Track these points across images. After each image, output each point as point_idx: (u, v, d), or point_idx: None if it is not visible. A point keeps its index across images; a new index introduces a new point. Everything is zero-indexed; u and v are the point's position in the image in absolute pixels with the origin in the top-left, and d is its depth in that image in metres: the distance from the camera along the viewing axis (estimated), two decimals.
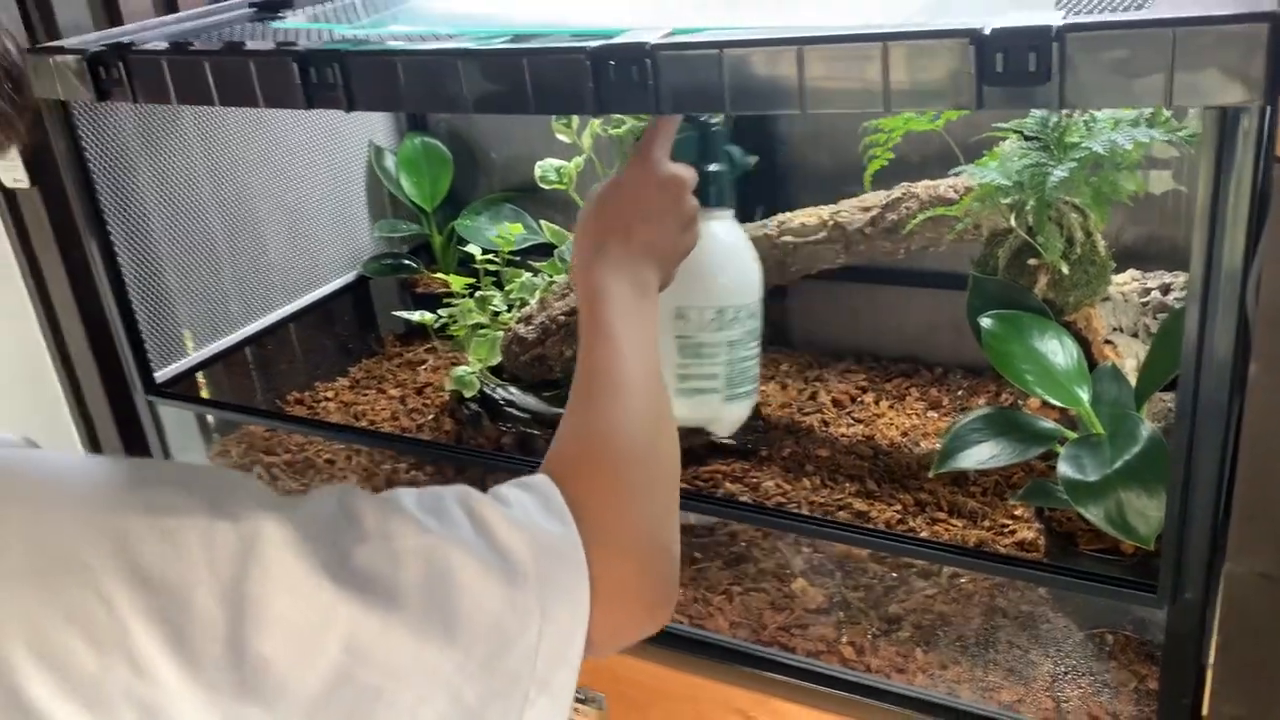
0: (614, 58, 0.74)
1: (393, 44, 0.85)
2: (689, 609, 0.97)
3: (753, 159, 0.88)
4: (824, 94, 0.69)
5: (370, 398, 1.36)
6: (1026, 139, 0.83)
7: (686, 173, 0.78)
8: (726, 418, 0.89)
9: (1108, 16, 0.63)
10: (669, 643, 0.97)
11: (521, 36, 0.82)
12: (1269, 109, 0.59)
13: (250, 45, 0.92)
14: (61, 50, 1.02)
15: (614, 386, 0.64)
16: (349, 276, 1.46)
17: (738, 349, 0.87)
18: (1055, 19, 0.62)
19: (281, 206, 1.35)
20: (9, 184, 1.12)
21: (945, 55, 0.64)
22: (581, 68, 0.75)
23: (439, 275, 1.39)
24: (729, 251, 0.86)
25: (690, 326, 0.86)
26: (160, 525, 0.46)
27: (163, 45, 1.00)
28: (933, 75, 0.65)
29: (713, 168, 0.84)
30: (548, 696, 0.52)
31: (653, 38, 0.74)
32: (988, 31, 0.63)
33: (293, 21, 1.02)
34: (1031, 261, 0.87)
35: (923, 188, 1.03)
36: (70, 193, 1.08)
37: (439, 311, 1.20)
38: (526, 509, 0.55)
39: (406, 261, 1.47)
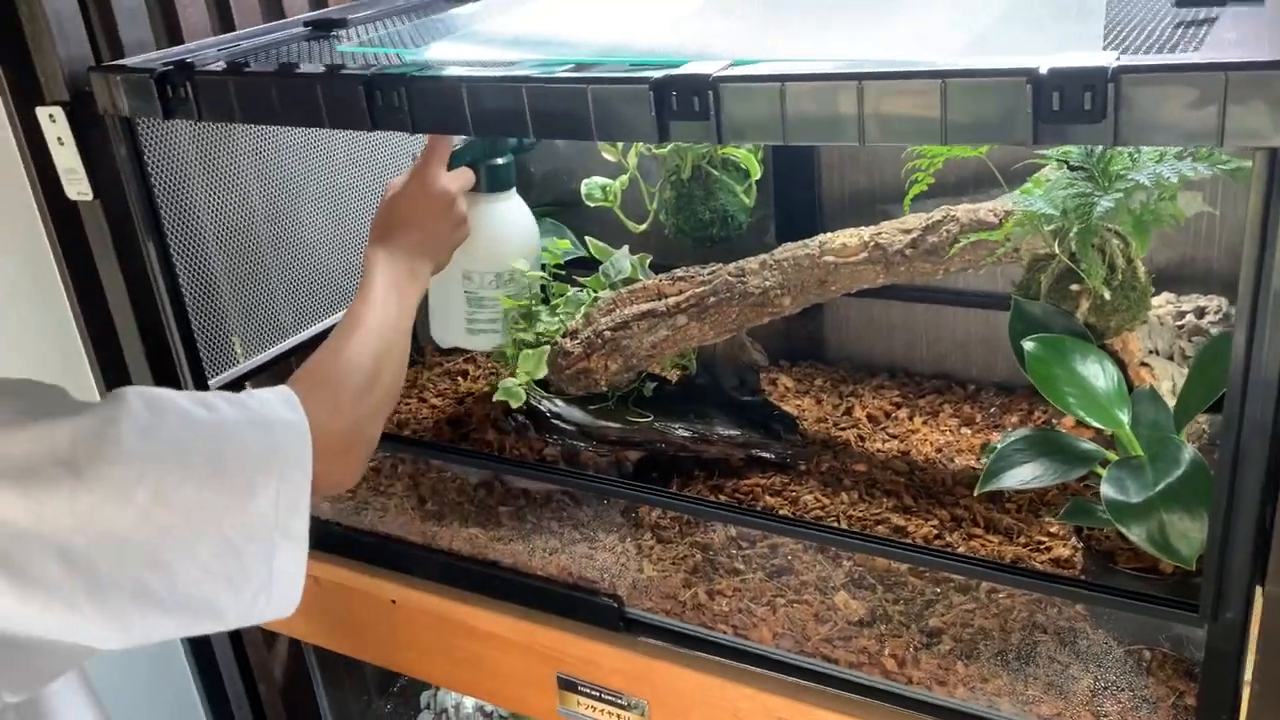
0: (676, 88, 0.77)
1: (457, 70, 0.88)
2: (733, 618, 1.00)
3: (530, 140, 1.21)
4: (882, 127, 0.71)
5: (412, 406, 1.39)
6: (1071, 168, 0.86)
7: (456, 184, 1.06)
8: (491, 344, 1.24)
9: (1162, 58, 0.66)
10: (712, 650, 0.99)
11: (583, 65, 0.84)
12: None
13: (317, 68, 0.95)
14: (128, 69, 1.05)
15: (356, 327, 0.90)
16: None
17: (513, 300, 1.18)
18: (1110, 59, 0.65)
19: (328, 218, 1.38)
20: (73, 196, 1.15)
21: (1003, 93, 0.67)
22: (644, 98, 0.78)
23: None
24: (506, 227, 1.18)
25: (473, 285, 1.20)
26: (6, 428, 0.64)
27: (223, 65, 1.03)
28: (990, 112, 0.68)
29: (495, 161, 1.17)
30: (290, 541, 0.72)
31: (714, 69, 0.77)
32: (1044, 71, 0.65)
33: (350, 45, 1.05)
34: (1074, 287, 0.90)
35: (963, 211, 1.05)
36: (132, 205, 1.12)
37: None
38: (271, 402, 0.77)
39: None
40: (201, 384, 1.20)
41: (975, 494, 0.88)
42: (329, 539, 1.23)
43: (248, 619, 0.72)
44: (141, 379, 1.24)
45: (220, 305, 1.25)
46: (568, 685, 1.08)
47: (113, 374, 1.31)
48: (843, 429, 1.23)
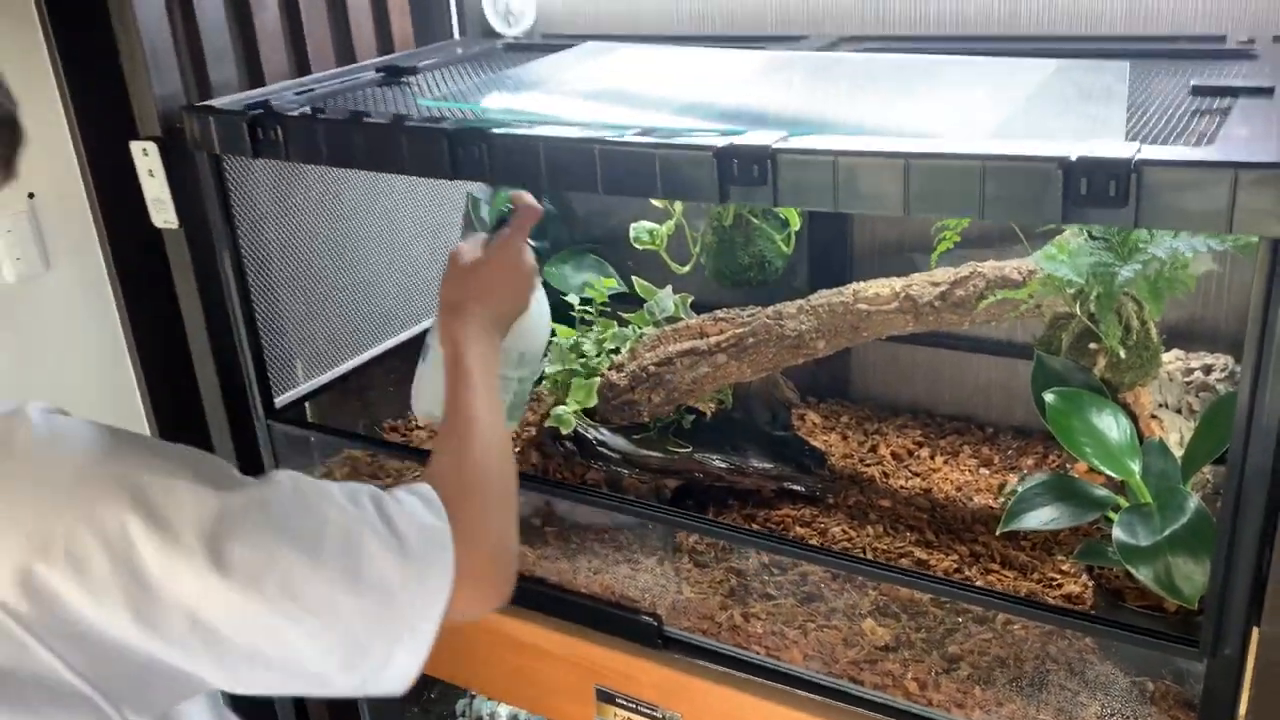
0: (738, 157, 0.85)
1: (534, 131, 0.96)
2: (766, 640, 1.07)
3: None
4: (925, 201, 0.79)
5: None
6: (1093, 238, 0.94)
7: (533, 262, 1.04)
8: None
9: (1179, 151, 0.74)
10: (746, 669, 1.07)
11: (649, 130, 0.92)
12: None
13: (403, 118, 1.03)
14: (221, 111, 1.14)
15: (473, 423, 0.87)
16: None
17: (524, 384, 1.12)
18: (1132, 151, 0.73)
19: (386, 249, 1.47)
20: (159, 224, 1.23)
21: (1035, 176, 0.75)
22: (708, 163, 0.86)
23: None
24: (536, 312, 1.10)
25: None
26: (167, 482, 0.66)
27: (308, 110, 1.12)
28: (1023, 192, 0.76)
29: (535, 247, 1.10)
30: (413, 639, 0.72)
31: (773, 140, 0.85)
32: (1074, 159, 0.74)
33: (432, 100, 1.13)
34: (1092, 345, 0.97)
35: (989, 267, 1.13)
36: (215, 233, 1.20)
37: (543, 364, 1.31)
38: (414, 506, 0.75)
39: None
40: (269, 403, 1.28)
41: (998, 533, 0.96)
42: None
43: (356, 692, 0.73)
44: (211, 395, 1.32)
45: (284, 329, 1.33)
46: (606, 697, 1.15)
47: (159, 390, 1.39)
48: (868, 465, 1.31)
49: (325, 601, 0.68)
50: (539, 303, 1.10)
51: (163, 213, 1.22)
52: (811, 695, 1.02)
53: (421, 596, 0.72)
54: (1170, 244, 0.86)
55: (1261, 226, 0.69)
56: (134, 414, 1.41)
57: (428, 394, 1.11)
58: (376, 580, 0.70)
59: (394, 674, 0.72)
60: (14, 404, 0.67)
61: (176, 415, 1.41)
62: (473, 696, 1.72)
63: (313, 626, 0.68)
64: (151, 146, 1.20)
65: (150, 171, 1.22)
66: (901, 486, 1.26)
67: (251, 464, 1.33)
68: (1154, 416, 1.10)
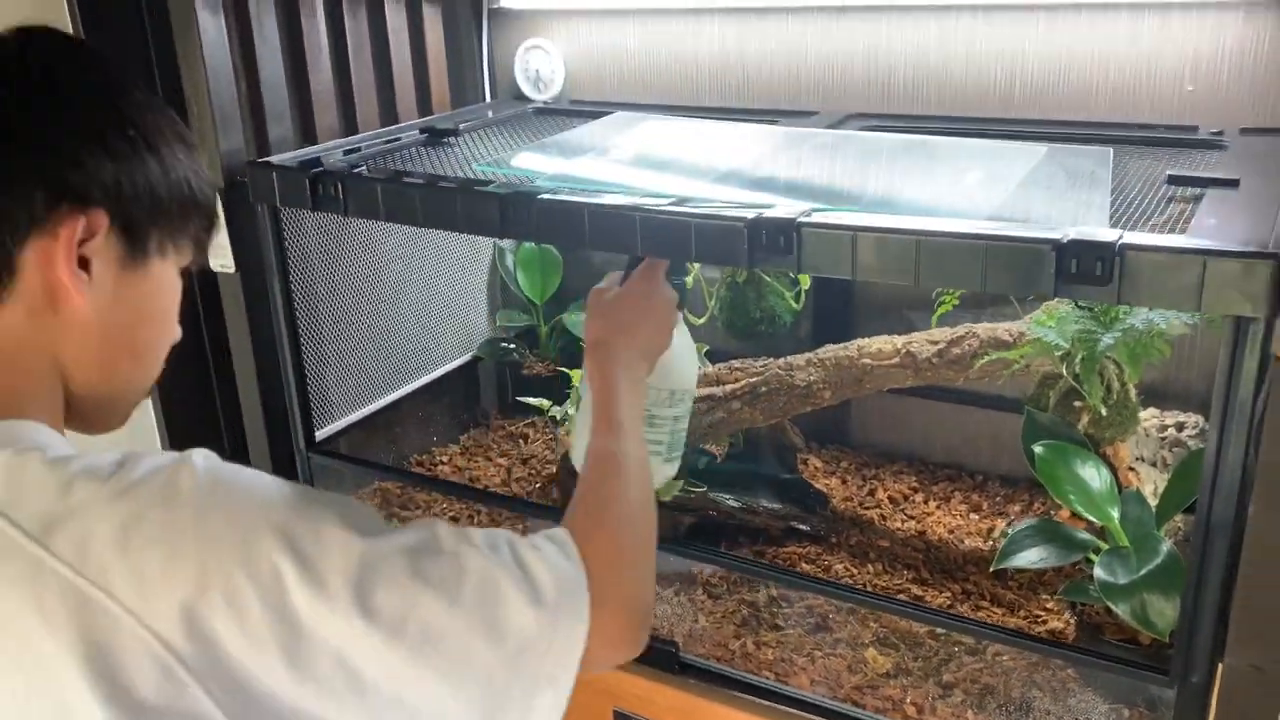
0: (765, 228, 0.96)
1: (579, 197, 1.06)
2: (775, 666, 1.16)
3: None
4: (934, 273, 0.90)
5: (480, 464, 1.56)
6: (1079, 306, 1.05)
7: (674, 294, 1.03)
8: (659, 475, 1.10)
9: (1157, 238, 0.85)
10: (757, 693, 1.16)
11: (683, 200, 1.03)
12: (1271, 320, 0.81)
13: (459, 182, 1.14)
14: (283, 167, 1.24)
15: (617, 468, 0.86)
16: (465, 357, 1.67)
17: (679, 422, 1.10)
18: (1116, 235, 0.84)
19: (415, 294, 1.57)
20: (216, 268, 1.33)
21: (1031, 256, 0.86)
22: (739, 233, 0.97)
23: (560, 367, 1.60)
24: (683, 346, 1.09)
25: (648, 402, 1.07)
26: (316, 529, 0.67)
27: (365, 169, 1.22)
28: (1021, 269, 0.87)
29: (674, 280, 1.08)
30: (553, 690, 0.70)
31: (797, 214, 0.96)
32: (1066, 241, 0.84)
33: (487, 164, 1.23)
34: (1077, 403, 1.08)
35: (983, 329, 1.24)
36: (271, 278, 1.29)
37: (565, 406, 1.40)
38: (551, 553, 0.74)
39: (514, 347, 1.68)
40: (310, 436, 1.37)
41: (991, 569, 1.06)
42: None
43: None
44: (255, 427, 1.41)
45: (324, 366, 1.42)
46: (622, 718, 1.24)
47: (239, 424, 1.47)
48: (867, 508, 1.41)
49: (463, 648, 0.68)
50: (682, 336, 1.08)
51: (220, 257, 1.32)
52: (818, 718, 1.11)
53: (557, 645, 0.70)
54: (1146, 315, 0.97)
55: (1227, 306, 0.80)
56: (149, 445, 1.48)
57: (583, 444, 1.13)
58: (514, 629, 0.69)
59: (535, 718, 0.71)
60: (180, 454, 0.69)
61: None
62: None
63: (452, 674, 0.68)
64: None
65: None
66: (898, 528, 1.36)
67: None
68: (1131, 469, 1.20)
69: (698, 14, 1.51)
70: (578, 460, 1.15)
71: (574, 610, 0.72)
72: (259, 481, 0.70)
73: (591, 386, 0.93)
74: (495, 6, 1.62)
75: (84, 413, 0.75)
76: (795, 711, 1.12)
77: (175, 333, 0.80)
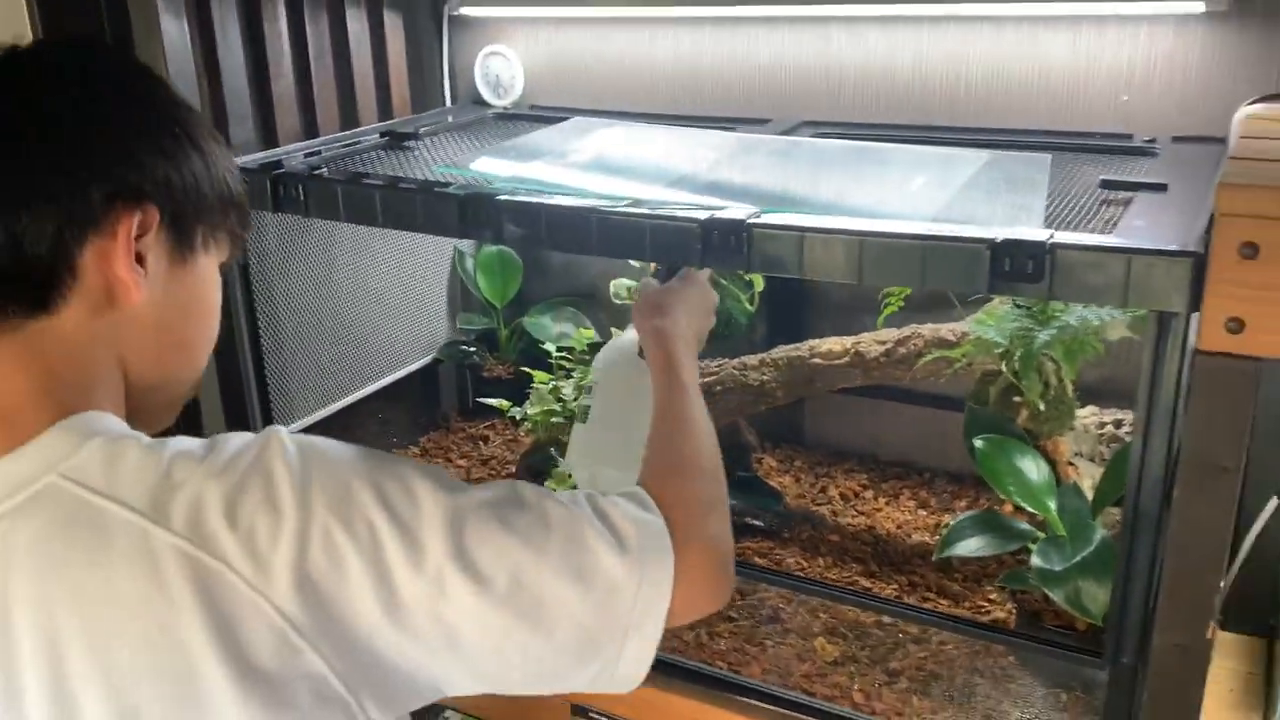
0: (718, 229, 0.99)
1: (537, 198, 1.09)
2: (728, 656, 1.19)
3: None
4: (876, 272, 0.93)
5: (440, 466, 1.58)
6: (1018, 306, 1.09)
7: (713, 292, 1.14)
8: None
9: (1085, 237, 0.89)
10: (709, 684, 1.19)
11: (640, 202, 1.06)
12: (1192, 314, 0.85)
13: (420, 183, 1.16)
14: (245, 170, 1.25)
15: (688, 425, 0.91)
16: (425, 360, 1.69)
17: None
18: (1046, 235, 0.88)
19: (377, 297, 1.58)
20: None
21: (968, 255, 0.90)
22: (693, 233, 1.00)
23: (520, 368, 1.62)
24: None
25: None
26: (406, 486, 0.69)
27: (322, 170, 1.24)
28: (957, 267, 0.90)
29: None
30: (641, 637, 0.73)
31: (747, 215, 0.99)
32: (1000, 241, 0.88)
33: (446, 166, 1.25)
34: (1016, 399, 1.13)
35: (928, 329, 1.28)
36: (232, 282, 1.31)
37: (525, 407, 1.43)
38: (630, 506, 0.77)
39: (474, 350, 1.70)
40: None
41: (934, 558, 1.09)
42: None
43: (591, 688, 0.75)
44: (216, 429, 1.42)
45: (283, 368, 1.43)
46: (579, 711, 1.26)
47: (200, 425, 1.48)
48: (819, 505, 1.44)
49: (554, 597, 0.70)
50: None
51: None
52: (769, 706, 1.14)
53: (645, 590, 0.73)
54: (1080, 313, 1.02)
55: (1149, 301, 0.85)
56: None
57: (579, 450, 1.20)
58: (601, 575, 0.71)
59: (626, 671, 0.74)
60: (263, 431, 0.71)
61: None
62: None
63: (545, 622, 0.70)
64: None
65: None
66: (849, 524, 1.40)
67: None
68: (1071, 463, 1.25)
69: (654, 23, 1.54)
70: (573, 465, 1.21)
71: (658, 558, 0.74)
72: (343, 449, 0.72)
73: (653, 360, 1.01)
74: (456, 13, 1.65)
75: (138, 408, 0.76)
76: (747, 700, 1.15)
77: (217, 324, 0.81)
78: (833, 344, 1.33)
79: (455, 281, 1.72)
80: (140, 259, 0.71)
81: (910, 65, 1.41)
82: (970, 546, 1.08)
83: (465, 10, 1.63)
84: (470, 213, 1.10)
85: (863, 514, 1.43)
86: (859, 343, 1.32)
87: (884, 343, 1.30)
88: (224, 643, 0.63)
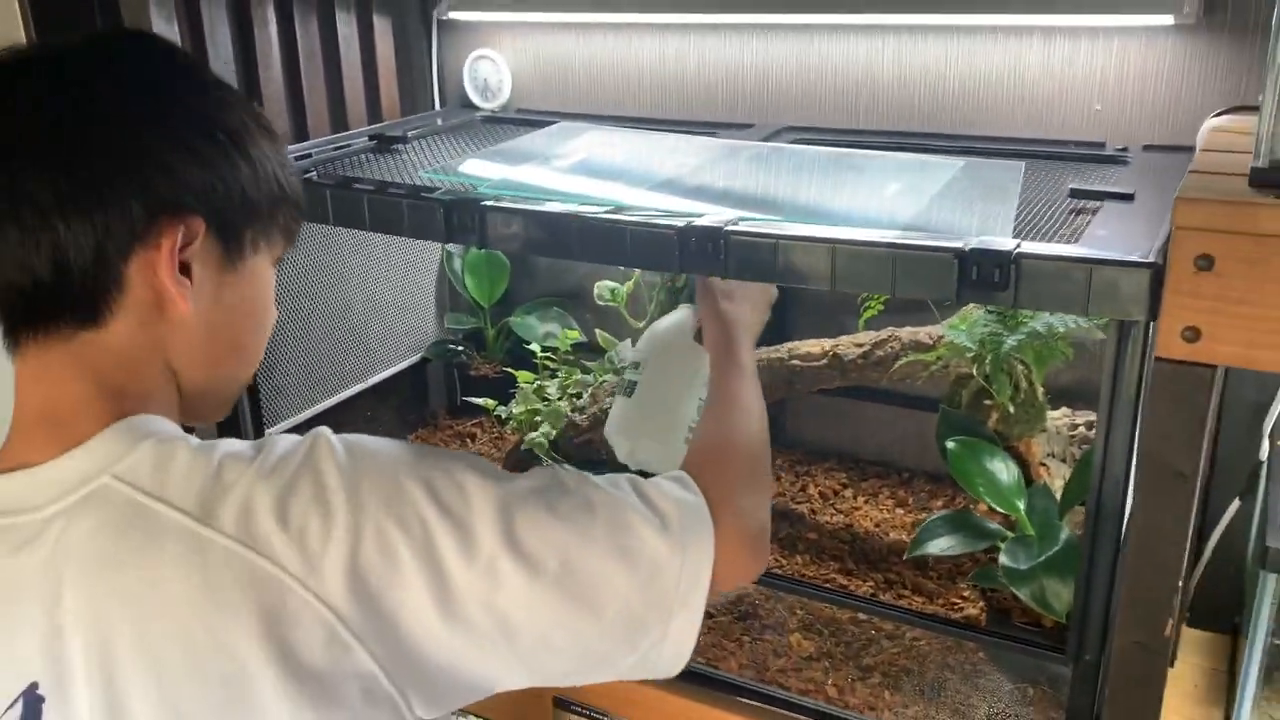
0: (695, 235, 1.01)
1: (522, 204, 1.11)
2: (707, 652, 1.22)
3: None
4: (848, 279, 0.96)
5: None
6: (990, 311, 1.12)
7: (771, 286, 1.16)
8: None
9: (1050, 247, 0.92)
10: (689, 678, 1.21)
11: (621, 208, 1.09)
12: (1151, 323, 0.88)
13: (407, 189, 1.18)
14: None
15: (742, 409, 0.94)
16: (414, 358, 1.71)
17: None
18: (1012, 245, 0.91)
19: (367, 297, 1.61)
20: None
21: (937, 264, 0.92)
22: (671, 240, 1.02)
23: (506, 368, 1.64)
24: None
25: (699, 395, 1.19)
26: (454, 479, 0.71)
27: (312, 174, 1.26)
28: (927, 276, 0.93)
29: None
30: (686, 613, 0.75)
31: (725, 223, 1.01)
32: (967, 249, 0.91)
33: (433, 171, 1.28)
34: (987, 402, 1.15)
35: (906, 333, 1.31)
36: None
37: (510, 406, 1.46)
38: (670, 487, 0.79)
39: (461, 349, 1.73)
40: (260, 433, 1.41)
41: (905, 557, 1.12)
42: None
43: (637, 673, 0.76)
44: (206, 427, 1.44)
45: (274, 365, 1.46)
46: (562, 704, 1.29)
47: None
48: (798, 503, 1.47)
49: (603, 578, 0.71)
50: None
51: None
52: (746, 700, 1.17)
53: (688, 569, 0.74)
54: (1046, 319, 1.04)
55: (1111, 310, 0.88)
56: None
57: (621, 423, 1.25)
58: (646, 555, 0.73)
59: (671, 652, 0.75)
60: (310, 432, 0.72)
61: None
62: None
63: (594, 604, 0.71)
64: None
65: None
66: (827, 522, 1.42)
67: None
68: (1043, 464, 1.28)
69: (639, 29, 1.57)
70: (614, 437, 1.25)
71: (699, 536, 0.76)
72: (389, 445, 0.73)
73: (714, 343, 1.05)
74: (445, 18, 1.67)
75: (191, 408, 0.77)
76: (725, 695, 1.18)
77: (273, 320, 0.83)
78: (811, 346, 1.36)
79: (444, 281, 1.75)
80: (186, 269, 0.71)
81: (890, 73, 1.43)
82: (940, 545, 1.11)
83: (454, 14, 1.65)
84: (455, 218, 1.13)
85: (841, 512, 1.46)
86: (837, 345, 1.35)
87: (861, 345, 1.33)
88: (274, 643, 0.64)
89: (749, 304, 1.10)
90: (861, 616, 1.22)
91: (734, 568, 0.79)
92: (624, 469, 1.39)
